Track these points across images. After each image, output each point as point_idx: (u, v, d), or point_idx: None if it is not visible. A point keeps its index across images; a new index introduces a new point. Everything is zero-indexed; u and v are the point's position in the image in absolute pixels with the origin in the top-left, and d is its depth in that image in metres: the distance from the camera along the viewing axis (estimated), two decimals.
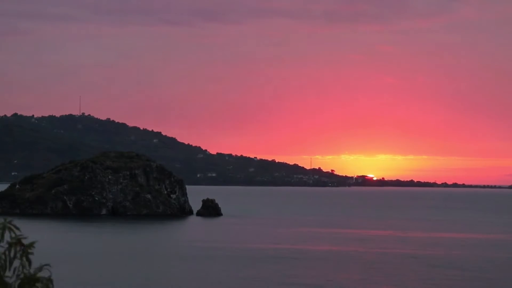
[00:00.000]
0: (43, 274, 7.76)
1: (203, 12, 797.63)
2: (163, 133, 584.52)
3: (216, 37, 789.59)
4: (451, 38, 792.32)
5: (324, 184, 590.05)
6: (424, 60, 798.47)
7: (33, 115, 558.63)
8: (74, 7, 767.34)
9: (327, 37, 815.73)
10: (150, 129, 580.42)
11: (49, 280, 7.75)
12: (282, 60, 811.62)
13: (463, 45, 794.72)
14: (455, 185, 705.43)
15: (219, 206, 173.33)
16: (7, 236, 7.75)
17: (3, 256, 7.64)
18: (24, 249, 7.66)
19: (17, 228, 7.83)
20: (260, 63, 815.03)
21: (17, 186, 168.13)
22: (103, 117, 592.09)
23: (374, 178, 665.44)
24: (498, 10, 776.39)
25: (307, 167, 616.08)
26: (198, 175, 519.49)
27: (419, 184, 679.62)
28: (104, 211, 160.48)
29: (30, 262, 7.74)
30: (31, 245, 7.73)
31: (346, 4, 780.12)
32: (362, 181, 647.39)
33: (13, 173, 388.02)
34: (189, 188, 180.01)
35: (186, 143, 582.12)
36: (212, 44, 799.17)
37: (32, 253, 7.76)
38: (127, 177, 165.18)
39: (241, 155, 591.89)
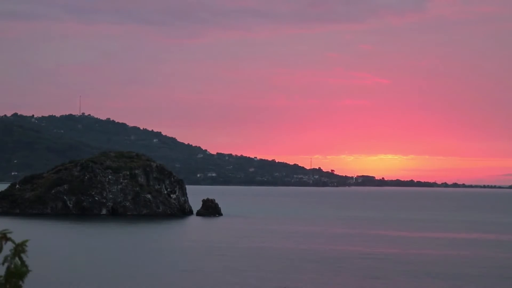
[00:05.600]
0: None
1: (178, 11, 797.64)
2: (163, 133, 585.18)
3: (199, 38, 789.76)
4: (433, 37, 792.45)
5: (324, 184, 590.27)
6: (411, 60, 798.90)
7: (33, 115, 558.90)
8: (45, 5, 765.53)
9: (305, 37, 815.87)
10: (150, 129, 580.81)
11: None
12: (277, 60, 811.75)
13: (447, 44, 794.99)
14: (455, 185, 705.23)
15: (219, 206, 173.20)
16: None
17: None
18: (16, 247, 7.25)
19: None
20: (259, 63, 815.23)
21: (17, 186, 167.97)
22: (103, 117, 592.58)
23: (375, 178, 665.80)
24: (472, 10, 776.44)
25: (307, 167, 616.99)
26: (198, 175, 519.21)
27: (419, 184, 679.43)
28: (104, 211, 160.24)
29: (23, 262, 7.34)
30: (23, 243, 7.28)
31: (311, 5, 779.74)
32: (362, 181, 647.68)
33: (13, 173, 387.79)
34: (189, 188, 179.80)
35: (186, 143, 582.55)
36: (201, 44, 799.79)
37: (24, 252, 7.33)
38: (127, 177, 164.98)
39: (241, 155, 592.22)
